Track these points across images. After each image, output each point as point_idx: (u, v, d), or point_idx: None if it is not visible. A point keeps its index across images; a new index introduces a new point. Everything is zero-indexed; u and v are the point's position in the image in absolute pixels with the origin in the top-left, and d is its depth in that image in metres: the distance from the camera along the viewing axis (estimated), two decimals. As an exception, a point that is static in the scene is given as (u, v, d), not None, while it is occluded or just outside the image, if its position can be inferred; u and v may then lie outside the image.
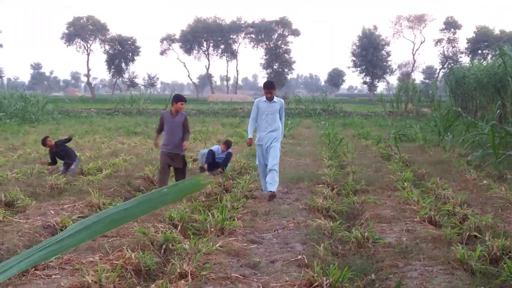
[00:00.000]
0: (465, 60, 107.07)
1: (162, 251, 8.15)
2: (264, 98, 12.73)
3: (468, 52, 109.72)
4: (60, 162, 15.30)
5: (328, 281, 6.47)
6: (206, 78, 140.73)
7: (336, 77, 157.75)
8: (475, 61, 41.35)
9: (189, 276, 6.74)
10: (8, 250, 7.92)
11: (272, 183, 12.21)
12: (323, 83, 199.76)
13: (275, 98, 12.69)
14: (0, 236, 8.51)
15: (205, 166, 15.59)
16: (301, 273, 6.88)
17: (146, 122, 36.84)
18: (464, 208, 10.40)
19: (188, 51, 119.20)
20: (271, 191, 12.13)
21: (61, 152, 15.28)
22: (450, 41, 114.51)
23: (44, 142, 15.40)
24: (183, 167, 12.77)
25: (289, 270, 7.19)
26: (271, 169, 12.25)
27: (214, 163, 15.72)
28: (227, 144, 16.49)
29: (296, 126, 35.04)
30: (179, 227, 9.32)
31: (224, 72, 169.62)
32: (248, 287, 6.64)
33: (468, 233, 8.77)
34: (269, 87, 12.70)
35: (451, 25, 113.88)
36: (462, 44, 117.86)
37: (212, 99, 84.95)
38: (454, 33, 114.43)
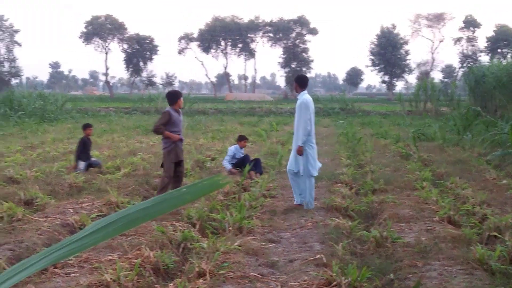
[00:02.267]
0: (484, 59, 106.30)
1: (181, 250, 8.17)
2: None
3: (488, 51, 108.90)
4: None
5: (346, 280, 6.46)
6: (224, 77, 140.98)
7: (354, 76, 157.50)
8: (494, 60, 41.19)
9: (208, 275, 6.75)
10: (27, 248, 7.97)
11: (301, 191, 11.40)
12: (341, 82, 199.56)
13: (299, 95, 11.43)
14: (19, 234, 8.57)
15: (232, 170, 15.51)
16: (319, 272, 6.87)
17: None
18: (483, 208, 10.34)
19: (206, 50, 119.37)
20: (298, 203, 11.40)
21: (90, 145, 15.92)
22: (469, 39, 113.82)
23: (87, 127, 16.14)
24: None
25: (308, 269, 7.18)
26: (299, 175, 11.30)
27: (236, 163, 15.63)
28: (243, 138, 16.32)
29: (314, 125, 34.92)
30: (197, 226, 9.35)
31: (242, 71, 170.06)
32: (266, 286, 6.64)
33: (487, 233, 8.72)
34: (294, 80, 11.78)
35: (470, 23, 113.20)
36: (482, 43, 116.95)
37: (230, 98, 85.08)
38: (474, 32, 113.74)
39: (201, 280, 6.63)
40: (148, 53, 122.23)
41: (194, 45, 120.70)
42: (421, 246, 8.03)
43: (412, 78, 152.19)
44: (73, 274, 6.96)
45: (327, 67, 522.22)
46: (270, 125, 32.54)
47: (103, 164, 15.74)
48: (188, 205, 10.20)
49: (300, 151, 11.06)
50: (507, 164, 15.66)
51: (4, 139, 23.73)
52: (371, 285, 6.67)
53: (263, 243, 8.51)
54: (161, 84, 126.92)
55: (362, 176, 14.88)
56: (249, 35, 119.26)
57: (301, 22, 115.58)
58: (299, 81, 11.51)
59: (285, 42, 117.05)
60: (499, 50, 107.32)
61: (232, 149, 16.15)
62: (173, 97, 11.92)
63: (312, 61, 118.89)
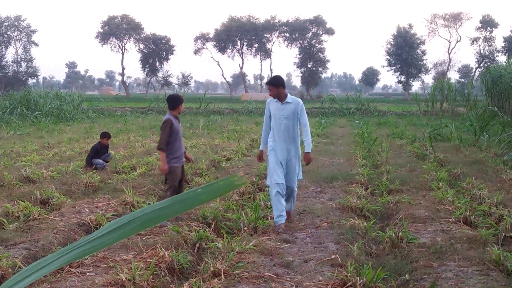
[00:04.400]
0: (502, 59, 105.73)
1: (196, 249, 8.18)
2: None
3: (505, 51, 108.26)
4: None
5: (361, 281, 6.44)
6: (240, 77, 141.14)
7: (370, 76, 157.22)
8: (512, 60, 40.85)
9: (222, 274, 6.76)
10: (43, 247, 8.01)
11: (290, 203, 10.06)
12: (357, 82, 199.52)
13: (290, 98, 9.88)
14: (35, 233, 8.62)
15: None
16: (334, 272, 6.86)
17: (180, 121, 36.90)
18: (500, 209, 10.27)
19: (222, 50, 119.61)
20: (287, 210, 9.86)
21: (104, 150, 15.99)
22: (486, 39, 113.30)
23: (105, 136, 16.31)
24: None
25: (323, 269, 7.18)
26: (291, 188, 9.88)
27: None
28: None
29: (330, 125, 34.95)
30: (212, 226, 9.36)
31: (258, 71, 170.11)
32: (281, 286, 6.64)
33: (504, 234, 8.67)
34: (269, 83, 9.93)
35: (487, 23, 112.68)
36: (499, 43, 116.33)
37: (245, 98, 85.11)
38: (491, 32, 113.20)
39: (216, 280, 6.64)
40: (164, 53, 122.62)
41: (210, 45, 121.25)
42: (437, 246, 8.00)
43: (428, 78, 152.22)
44: (88, 274, 6.99)
45: (343, 67, 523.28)
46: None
47: (119, 164, 15.77)
48: (204, 205, 10.20)
49: (311, 158, 10.37)
50: (524, 165, 15.56)
51: (21, 138, 23.87)
52: (386, 285, 6.66)
53: (278, 243, 8.51)
54: (177, 84, 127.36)
55: (378, 176, 14.84)
56: (265, 35, 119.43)
57: (318, 22, 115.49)
58: (282, 82, 9.89)
59: (301, 42, 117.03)
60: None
61: None
62: (175, 101, 10.66)
63: (328, 61, 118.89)
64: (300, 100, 10.00)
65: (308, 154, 10.07)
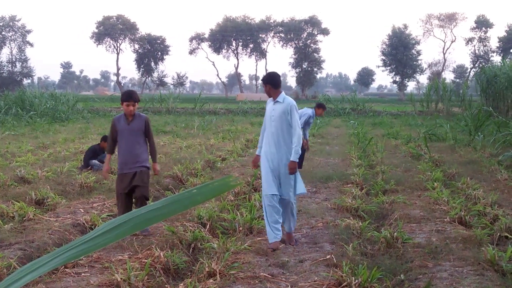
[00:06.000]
0: (496, 59, 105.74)
1: (191, 250, 8.17)
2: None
3: (500, 51, 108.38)
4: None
5: (357, 281, 6.45)
6: (235, 77, 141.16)
7: (365, 76, 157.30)
8: (506, 60, 41.01)
9: (218, 275, 6.76)
10: (38, 248, 8.00)
11: (289, 220, 8.76)
12: (352, 82, 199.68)
13: (281, 97, 8.71)
14: (30, 234, 8.60)
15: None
16: (329, 272, 6.87)
17: (175, 121, 36.97)
18: (495, 209, 10.29)
19: (217, 50, 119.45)
20: (287, 232, 8.84)
21: (100, 152, 15.95)
22: (481, 40, 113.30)
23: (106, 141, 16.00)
24: (146, 183, 9.30)
25: (318, 269, 7.18)
26: (286, 201, 8.63)
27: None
28: (322, 107, 15.47)
29: (325, 125, 34.98)
30: (207, 226, 9.34)
31: (253, 71, 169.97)
32: (276, 286, 6.64)
33: (499, 234, 8.69)
34: (263, 80, 8.93)
35: (482, 24, 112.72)
36: (494, 43, 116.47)
37: (241, 98, 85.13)
38: (486, 32, 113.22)
39: (211, 280, 6.64)
40: (160, 53, 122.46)
41: (205, 45, 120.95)
42: (432, 246, 8.02)
43: (423, 79, 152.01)
44: (83, 274, 6.99)
45: (338, 67, 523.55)
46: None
47: (115, 165, 15.76)
48: (199, 205, 10.19)
49: (295, 169, 8.63)
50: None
51: (16, 139, 23.82)
52: (382, 285, 6.67)
53: (274, 244, 8.51)
54: (172, 84, 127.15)
55: (373, 176, 14.85)
56: (260, 35, 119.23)
57: (313, 22, 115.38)
58: (274, 81, 8.75)
59: (296, 42, 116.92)
60: (511, 51, 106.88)
61: (309, 112, 15.05)
62: (121, 97, 9.36)
63: (323, 61, 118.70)
64: (292, 100, 8.74)
65: (291, 164, 8.50)
